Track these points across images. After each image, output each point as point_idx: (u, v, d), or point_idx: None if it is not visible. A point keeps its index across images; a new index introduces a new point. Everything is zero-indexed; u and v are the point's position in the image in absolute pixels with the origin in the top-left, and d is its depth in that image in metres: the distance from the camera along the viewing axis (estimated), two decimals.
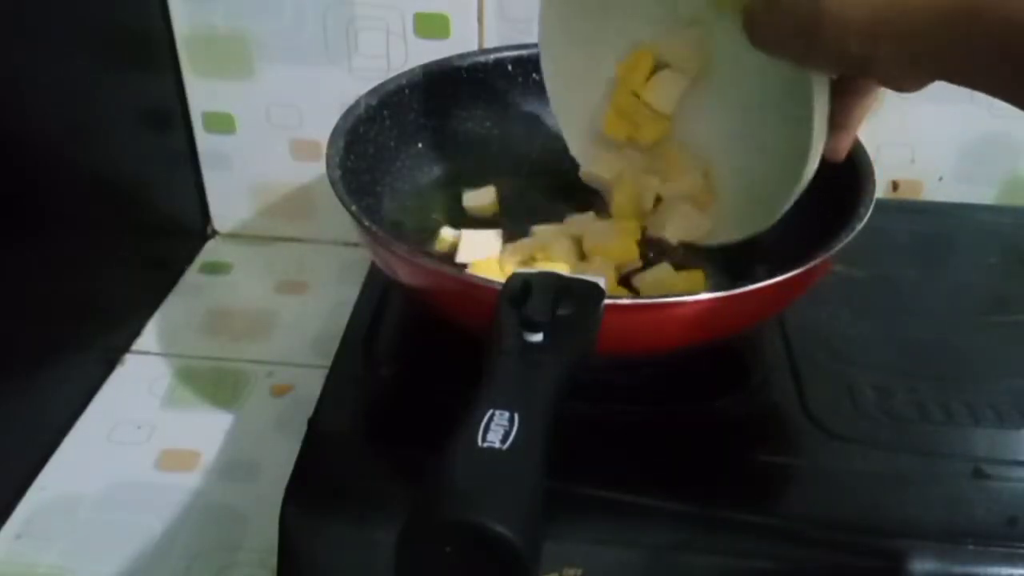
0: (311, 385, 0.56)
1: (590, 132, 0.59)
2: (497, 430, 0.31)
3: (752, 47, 0.44)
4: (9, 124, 0.54)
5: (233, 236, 0.79)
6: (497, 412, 0.32)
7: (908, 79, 0.39)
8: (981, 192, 0.71)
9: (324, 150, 0.52)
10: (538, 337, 0.36)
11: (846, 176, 0.51)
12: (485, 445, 0.30)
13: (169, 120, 0.73)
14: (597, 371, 0.40)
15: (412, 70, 0.60)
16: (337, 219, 0.49)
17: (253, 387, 0.63)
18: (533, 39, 0.64)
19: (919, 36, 0.36)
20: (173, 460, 0.58)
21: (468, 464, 0.30)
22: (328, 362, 0.54)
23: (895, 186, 0.72)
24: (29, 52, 0.54)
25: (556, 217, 0.58)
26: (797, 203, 0.56)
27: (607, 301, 0.40)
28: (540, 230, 0.57)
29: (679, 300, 0.43)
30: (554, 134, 0.63)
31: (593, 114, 0.58)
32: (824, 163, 0.54)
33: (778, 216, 0.50)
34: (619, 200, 0.57)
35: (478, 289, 0.42)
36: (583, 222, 0.57)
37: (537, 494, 0.30)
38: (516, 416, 0.32)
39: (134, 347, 0.67)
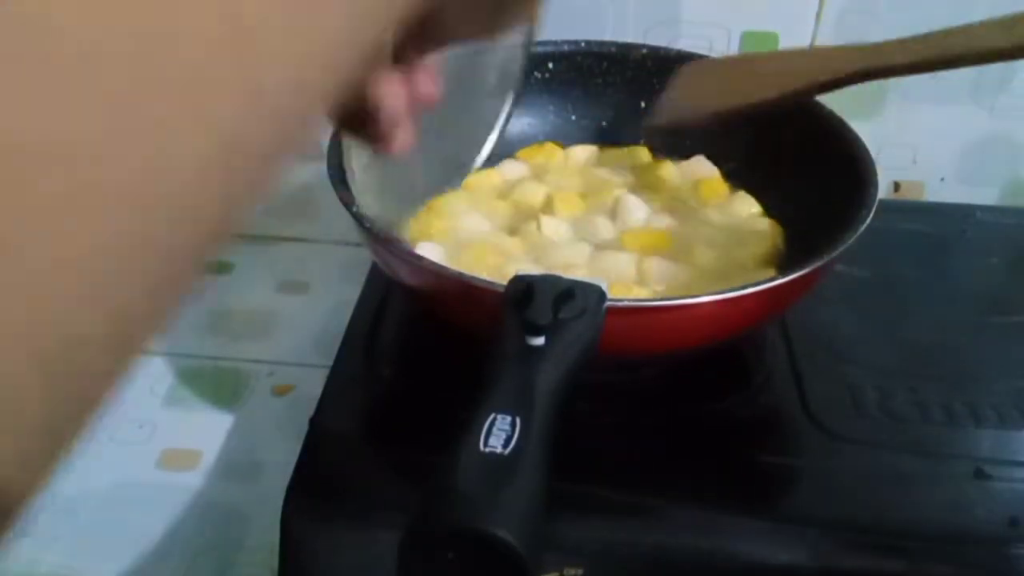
0: (312, 385, 0.56)
1: None
2: (499, 435, 0.31)
3: None
4: None
5: (235, 235, 0.79)
6: (499, 416, 0.32)
7: None
8: (983, 193, 0.71)
9: (326, 150, 0.52)
10: (540, 340, 0.36)
11: (848, 178, 0.51)
12: (487, 450, 0.30)
13: None
14: (598, 372, 0.40)
15: None
16: (339, 219, 0.48)
17: (254, 387, 0.63)
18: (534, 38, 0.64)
19: None
20: (174, 459, 0.58)
21: (470, 469, 0.30)
22: (329, 362, 0.54)
23: (897, 187, 0.72)
24: None
25: None
26: (801, 203, 0.56)
27: (608, 304, 0.40)
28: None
29: (681, 303, 0.43)
30: (555, 131, 0.63)
31: None
32: (826, 164, 0.54)
33: None
34: None
35: (478, 290, 0.42)
36: None
37: (539, 499, 0.30)
38: (518, 420, 0.32)
39: None
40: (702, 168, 0.61)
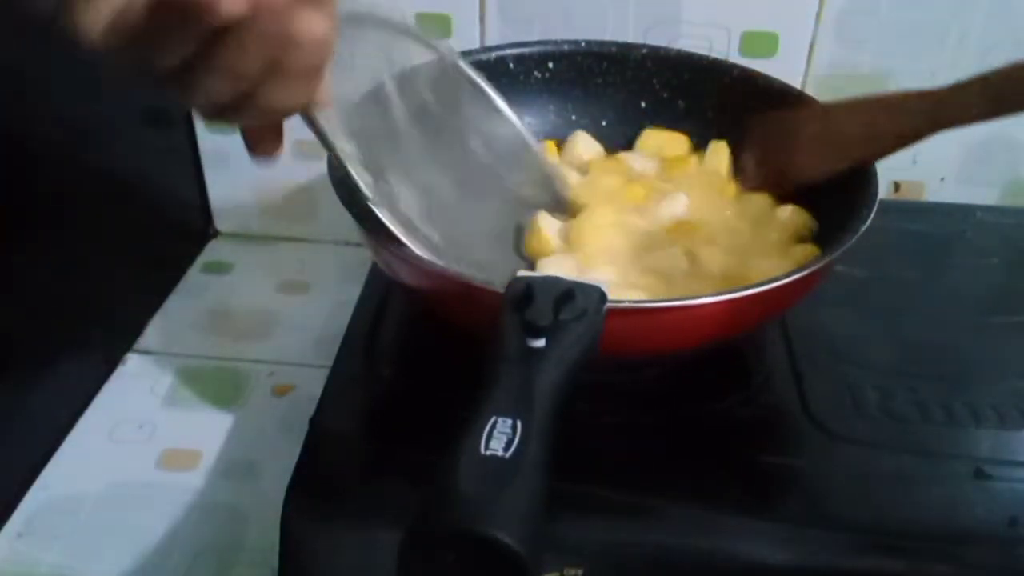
0: (312, 385, 0.56)
1: None
2: (500, 438, 0.31)
3: None
4: (11, 123, 0.54)
5: (235, 236, 0.79)
6: (500, 419, 0.32)
7: None
8: (983, 193, 0.71)
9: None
10: (540, 342, 0.36)
11: (849, 178, 0.51)
12: (488, 453, 0.30)
13: (171, 119, 0.73)
14: (598, 372, 0.40)
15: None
16: (339, 219, 0.48)
17: (254, 387, 0.63)
18: (535, 37, 0.64)
19: None
20: (174, 459, 0.58)
21: (471, 472, 0.30)
22: (329, 362, 0.54)
23: (897, 187, 0.72)
24: (32, 52, 0.54)
25: None
26: (801, 204, 0.56)
27: (608, 305, 0.40)
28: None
29: (681, 303, 0.43)
30: (556, 130, 0.63)
31: None
32: None
33: None
34: None
35: (478, 291, 0.42)
36: None
37: (540, 500, 0.30)
38: (518, 423, 0.32)
39: (136, 347, 0.67)
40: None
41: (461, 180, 0.53)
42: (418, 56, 0.52)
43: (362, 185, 0.45)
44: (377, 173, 0.46)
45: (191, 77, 0.29)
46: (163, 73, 0.29)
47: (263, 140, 0.37)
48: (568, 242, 0.53)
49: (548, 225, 0.54)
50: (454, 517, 0.29)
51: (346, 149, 0.44)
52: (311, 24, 0.29)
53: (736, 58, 0.67)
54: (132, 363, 0.66)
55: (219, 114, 0.32)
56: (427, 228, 0.48)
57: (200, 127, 0.74)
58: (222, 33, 0.28)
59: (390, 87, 0.50)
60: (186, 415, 0.61)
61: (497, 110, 0.57)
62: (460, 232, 0.51)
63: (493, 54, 0.63)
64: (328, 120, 0.43)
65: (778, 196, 0.56)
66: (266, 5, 0.27)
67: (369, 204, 0.45)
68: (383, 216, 0.45)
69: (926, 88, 0.49)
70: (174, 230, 0.77)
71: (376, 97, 0.49)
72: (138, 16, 0.28)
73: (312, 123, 0.41)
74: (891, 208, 0.60)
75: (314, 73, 0.32)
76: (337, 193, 0.48)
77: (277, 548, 0.44)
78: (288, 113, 0.35)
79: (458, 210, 0.52)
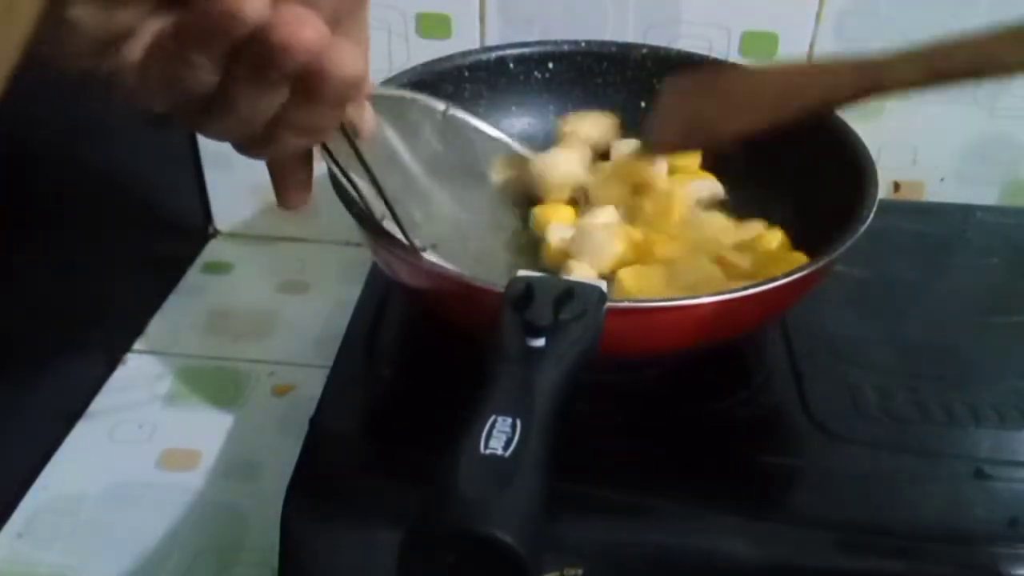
0: (313, 385, 0.56)
1: None
2: (499, 436, 0.31)
3: None
4: (11, 122, 0.54)
5: (235, 235, 0.79)
6: (499, 418, 0.32)
7: None
8: (983, 193, 0.71)
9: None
10: (540, 342, 0.36)
11: (848, 178, 0.51)
12: (488, 452, 0.30)
13: (171, 119, 0.73)
14: (598, 372, 0.40)
15: (413, 68, 0.60)
16: (339, 219, 0.49)
17: (255, 387, 0.63)
18: (535, 37, 0.64)
19: None
20: (174, 459, 0.58)
21: (471, 471, 0.30)
22: (330, 362, 0.54)
23: (897, 187, 0.72)
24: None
25: None
26: (801, 204, 0.56)
27: (609, 305, 0.40)
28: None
29: (681, 303, 0.43)
30: (556, 130, 0.63)
31: None
32: (826, 164, 0.54)
33: None
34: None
35: (478, 291, 0.43)
36: None
37: (540, 500, 0.30)
38: (518, 422, 0.32)
39: (136, 346, 0.67)
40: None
41: (483, 209, 0.56)
42: (419, 116, 0.55)
43: (414, 241, 0.46)
44: (413, 227, 0.48)
45: (222, 103, 0.30)
46: (196, 105, 0.30)
47: (292, 189, 0.37)
48: (574, 251, 0.53)
49: (554, 235, 0.54)
50: (454, 517, 0.29)
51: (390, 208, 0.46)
52: (343, 55, 0.29)
53: (736, 58, 0.67)
54: (132, 363, 0.66)
55: (252, 145, 0.33)
56: (470, 262, 0.50)
57: None
58: (249, 50, 0.28)
59: (401, 151, 0.52)
60: (186, 415, 0.61)
61: (497, 140, 0.59)
62: (495, 259, 0.53)
63: (493, 54, 0.63)
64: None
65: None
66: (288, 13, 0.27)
67: (423, 255, 0.47)
68: (438, 260, 0.47)
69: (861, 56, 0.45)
70: (174, 230, 0.77)
71: (393, 163, 0.51)
72: (168, 44, 0.28)
73: (367, 168, 0.41)
74: (891, 208, 0.60)
75: (346, 100, 0.32)
76: (337, 193, 0.48)
77: (277, 548, 0.44)
78: (321, 139, 0.35)
79: (489, 239, 0.55)
